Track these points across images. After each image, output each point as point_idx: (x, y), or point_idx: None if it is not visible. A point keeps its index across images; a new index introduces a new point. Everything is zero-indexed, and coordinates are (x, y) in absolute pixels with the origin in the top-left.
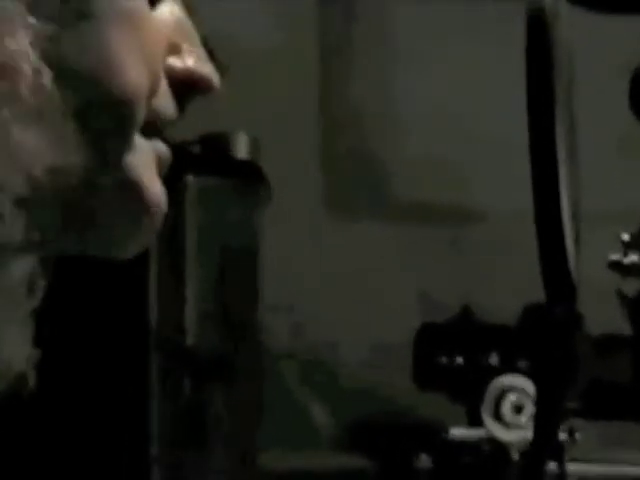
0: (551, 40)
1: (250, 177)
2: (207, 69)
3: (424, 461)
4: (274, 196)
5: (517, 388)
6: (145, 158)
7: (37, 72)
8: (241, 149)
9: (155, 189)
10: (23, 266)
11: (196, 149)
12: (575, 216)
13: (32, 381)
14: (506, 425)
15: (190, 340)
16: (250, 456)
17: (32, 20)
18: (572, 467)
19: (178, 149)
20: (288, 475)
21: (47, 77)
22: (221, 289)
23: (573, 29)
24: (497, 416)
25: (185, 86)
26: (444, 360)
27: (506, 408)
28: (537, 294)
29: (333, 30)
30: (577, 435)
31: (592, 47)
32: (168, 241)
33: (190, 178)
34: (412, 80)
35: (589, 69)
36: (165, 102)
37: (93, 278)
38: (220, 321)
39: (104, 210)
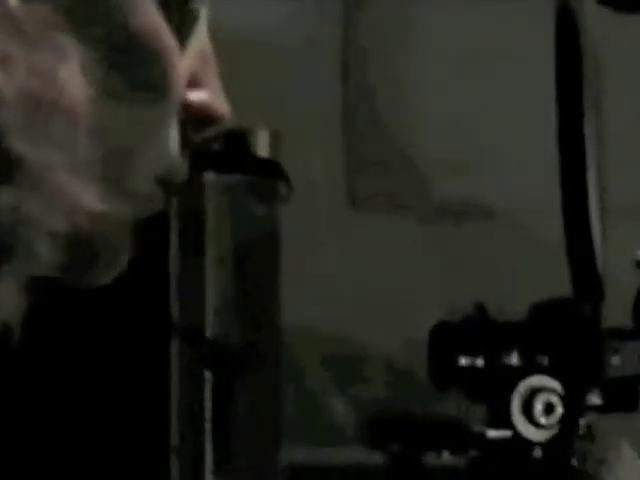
0: (580, 34)
1: (271, 174)
2: (221, 104)
3: (446, 458)
4: (295, 192)
5: (547, 388)
6: None
7: (92, 115)
8: (262, 145)
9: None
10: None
11: (216, 145)
12: (601, 213)
13: (17, 332)
14: (537, 425)
15: (211, 332)
16: (270, 449)
17: (86, 58)
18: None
19: (198, 145)
20: (309, 470)
21: (99, 120)
22: (242, 284)
23: (599, 23)
24: (528, 416)
25: (196, 120)
26: (463, 361)
27: (537, 409)
28: (554, 291)
29: (357, 26)
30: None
31: (618, 39)
32: (189, 237)
33: (210, 175)
34: (437, 76)
35: (616, 62)
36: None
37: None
38: (241, 314)
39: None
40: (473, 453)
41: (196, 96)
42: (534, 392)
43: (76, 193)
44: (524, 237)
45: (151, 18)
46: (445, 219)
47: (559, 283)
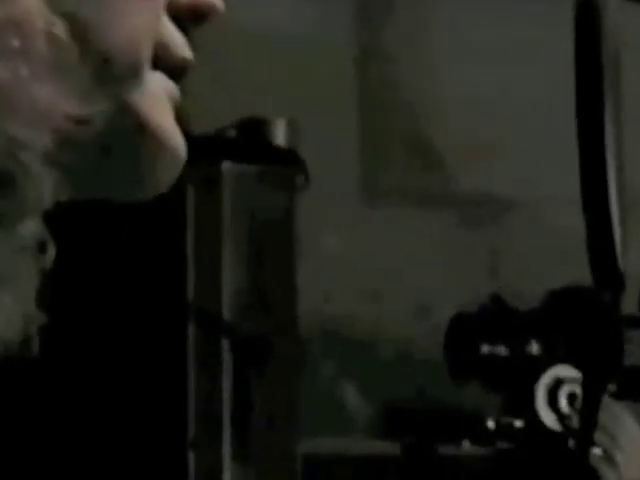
0: (600, 27)
1: (287, 163)
2: None
3: (466, 448)
4: (311, 181)
5: (571, 378)
6: (156, 97)
7: (51, 25)
8: (279, 135)
9: (167, 128)
10: (31, 227)
11: (233, 135)
12: (622, 203)
13: (36, 345)
14: (560, 415)
15: (227, 321)
16: (289, 441)
17: None
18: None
19: (216, 135)
20: (324, 459)
21: (60, 29)
22: (258, 272)
23: (621, 17)
24: (551, 406)
25: (190, 14)
26: (485, 349)
27: (562, 399)
28: (572, 280)
29: (373, 15)
30: None
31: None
32: (205, 225)
33: (227, 164)
34: (452, 64)
35: (635, 53)
36: (171, 35)
37: (132, 256)
38: (256, 304)
39: (121, 153)
40: (494, 444)
41: None
42: (558, 382)
43: (52, 101)
44: (541, 226)
45: None
46: (460, 207)
47: (576, 272)
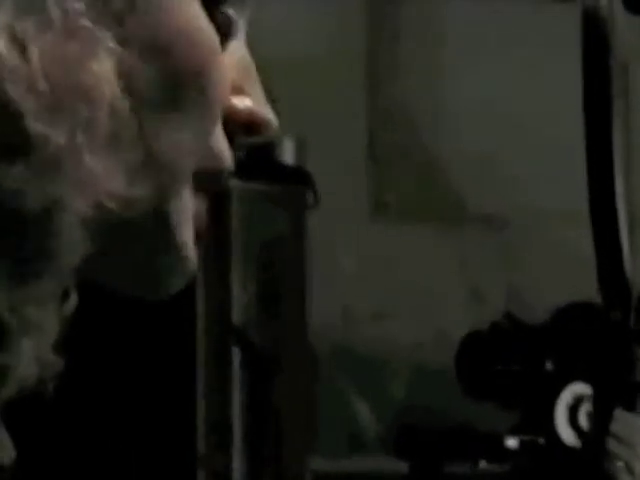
0: (608, 39)
1: (297, 181)
2: (267, 111)
3: (483, 467)
4: (323, 198)
5: (590, 396)
6: (187, 216)
7: (116, 98)
8: (287, 153)
9: (189, 247)
10: (57, 276)
11: (242, 154)
12: (630, 219)
13: (51, 388)
14: (579, 432)
15: (237, 333)
16: (301, 457)
17: (114, 46)
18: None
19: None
20: (336, 477)
21: (124, 105)
22: (267, 289)
23: (629, 30)
24: (572, 424)
25: (246, 126)
26: (498, 367)
27: (582, 416)
28: (579, 296)
29: (380, 32)
30: None
31: None
32: (214, 244)
33: (236, 183)
34: (461, 79)
35: None
36: (220, 149)
37: None
38: (266, 319)
39: (143, 248)
40: (510, 462)
41: (241, 102)
42: (578, 400)
43: (100, 175)
44: (546, 242)
45: (192, 19)
46: (473, 224)
47: (584, 288)
